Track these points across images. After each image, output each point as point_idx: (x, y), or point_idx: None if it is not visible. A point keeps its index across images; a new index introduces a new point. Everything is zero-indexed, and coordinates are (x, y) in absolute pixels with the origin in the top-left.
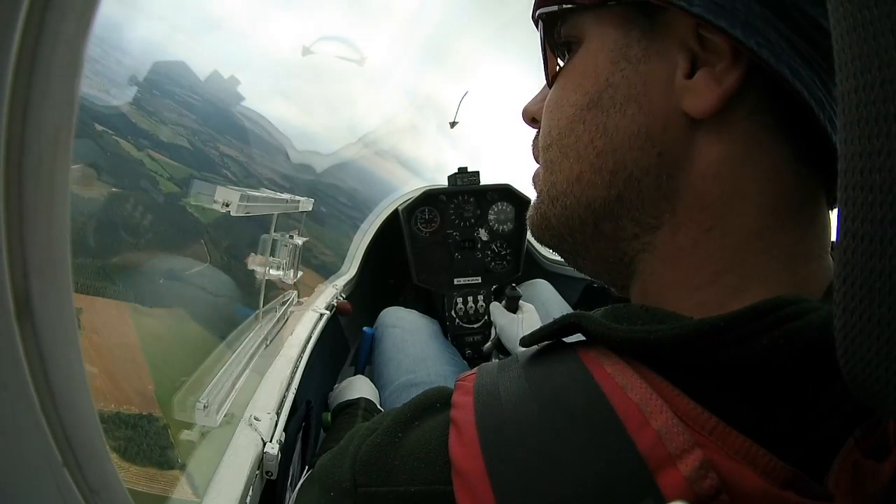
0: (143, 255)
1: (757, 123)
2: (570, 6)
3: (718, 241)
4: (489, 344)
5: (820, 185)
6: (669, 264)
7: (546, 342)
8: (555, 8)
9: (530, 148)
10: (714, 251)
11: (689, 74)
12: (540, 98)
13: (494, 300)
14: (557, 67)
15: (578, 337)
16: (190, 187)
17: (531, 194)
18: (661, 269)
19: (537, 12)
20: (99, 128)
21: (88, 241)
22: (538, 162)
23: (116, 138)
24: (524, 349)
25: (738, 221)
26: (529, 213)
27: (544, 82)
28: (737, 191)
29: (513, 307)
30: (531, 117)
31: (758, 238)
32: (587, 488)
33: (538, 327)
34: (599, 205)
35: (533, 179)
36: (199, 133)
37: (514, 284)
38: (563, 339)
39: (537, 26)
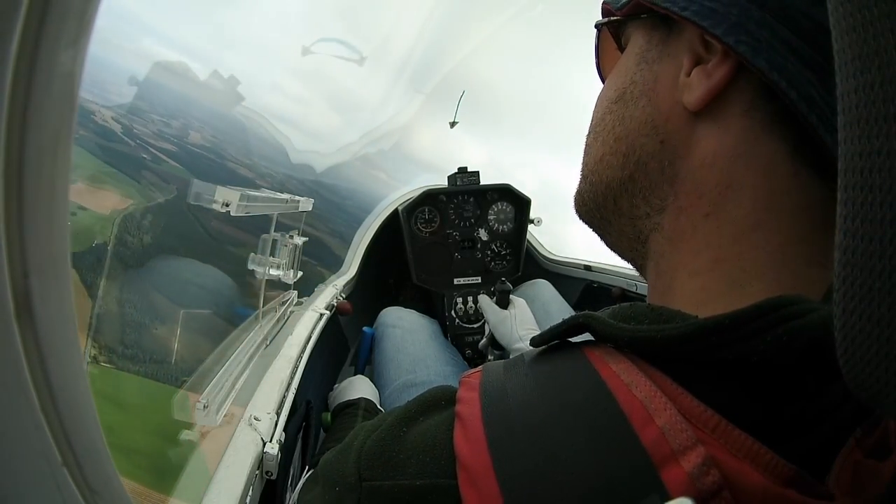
0: None
1: (753, 120)
2: (614, 18)
3: (716, 229)
4: (484, 340)
5: (831, 194)
6: (674, 245)
7: (553, 342)
8: (603, 20)
9: None
10: (712, 238)
11: (690, 73)
12: None
13: (483, 294)
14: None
15: (585, 336)
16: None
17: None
18: (668, 249)
19: (594, 24)
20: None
21: None
22: None
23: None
24: (531, 348)
25: (734, 211)
26: (574, 193)
27: None
28: (732, 182)
29: (503, 302)
30: None
31: (754, 230)
32: (593, 482)
33: (532, 322)
34: (616, 184)
35: None
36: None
37: (503, 279)
38: (570, 339)
39: (596, 38)
